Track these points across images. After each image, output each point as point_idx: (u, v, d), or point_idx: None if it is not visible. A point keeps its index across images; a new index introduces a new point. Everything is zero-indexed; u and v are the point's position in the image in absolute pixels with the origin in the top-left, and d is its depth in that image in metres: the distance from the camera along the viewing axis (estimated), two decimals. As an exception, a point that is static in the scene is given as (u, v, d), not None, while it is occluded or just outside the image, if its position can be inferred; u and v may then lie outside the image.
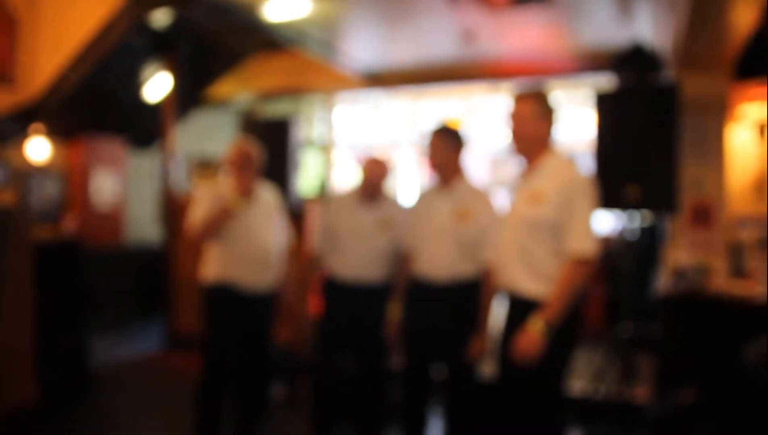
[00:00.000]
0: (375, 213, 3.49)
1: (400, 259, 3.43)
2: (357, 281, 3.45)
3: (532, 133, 2.74)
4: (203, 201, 3.45)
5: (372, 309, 3.42)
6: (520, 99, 2.79)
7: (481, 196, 3.23)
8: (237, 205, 3.35)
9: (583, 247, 2.57)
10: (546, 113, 2.75)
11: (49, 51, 5.79)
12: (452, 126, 3.32)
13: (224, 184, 3.50)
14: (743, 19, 4.06)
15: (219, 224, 3.36)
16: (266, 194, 3.62)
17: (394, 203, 3.59)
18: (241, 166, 3.43)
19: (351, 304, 3.45)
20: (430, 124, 3.34)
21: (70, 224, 6.55)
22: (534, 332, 2.53)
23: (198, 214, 3.42)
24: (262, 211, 3.53)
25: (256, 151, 3.52)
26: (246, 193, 3.43)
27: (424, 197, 3.36)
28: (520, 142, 2.78)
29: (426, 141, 3.29)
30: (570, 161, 2.78)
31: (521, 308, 2.67)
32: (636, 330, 4.43)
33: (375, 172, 3.49)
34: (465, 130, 3.35)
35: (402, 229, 3.42)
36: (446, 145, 3.22)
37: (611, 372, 4.30)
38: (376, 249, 3.46)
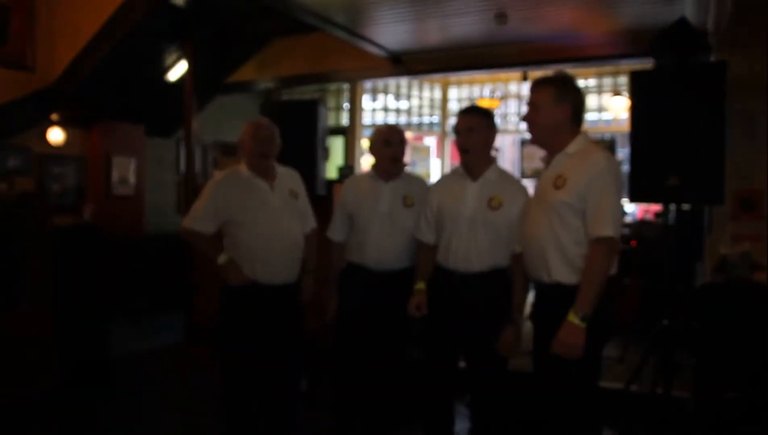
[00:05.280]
0: (394, 188, 3.27)
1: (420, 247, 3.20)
2: (378, 267, 3.23)
3: (550, 120, 2.64)
4: (209, 194, 3.19)
5: (394, 299, 3.17)
6: (536, 85, 2.70)
7: (512, 184, 3.02)
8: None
9: (605, 231, 2.47)
10: (564, 98, 2.63)
11: (68, 36, 5.75)
12: (485, 106, 3.10)
13: (242, 170, 3.23)
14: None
15: (208, 255, 3.23)
16: (286, 177, 3.35)
17: (414, 178, 3.39)
18: (260, 148, 3.18)
19: (372, 293, 3.24)
20: (461, 105, 3.14)
21: (89, 211, 6.51)
22: (574, 325, 2.43)
23: (200, 207, 3.17)
24: (284, 196, 3.27)
25: (274, 130, 3.26)
26: (265, 176, 3.20)
27: (451, 183, 3.11)
28: (539, 130, 2.70)
29: (455, 122, 3.05)
30: (594, 146, 2.67)
31: (552, 294, 2.61)
32: (675, 324, 4.23)
33: (396, 140, 3.28)
34: (498, 112, 3.15)
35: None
36: (477, 127, 2.97)
37: (647, 368, 4.12)
38: (398, 229, 3.22)
